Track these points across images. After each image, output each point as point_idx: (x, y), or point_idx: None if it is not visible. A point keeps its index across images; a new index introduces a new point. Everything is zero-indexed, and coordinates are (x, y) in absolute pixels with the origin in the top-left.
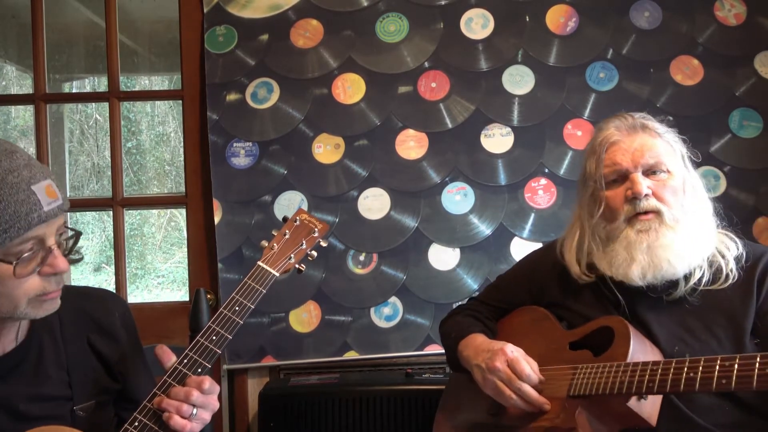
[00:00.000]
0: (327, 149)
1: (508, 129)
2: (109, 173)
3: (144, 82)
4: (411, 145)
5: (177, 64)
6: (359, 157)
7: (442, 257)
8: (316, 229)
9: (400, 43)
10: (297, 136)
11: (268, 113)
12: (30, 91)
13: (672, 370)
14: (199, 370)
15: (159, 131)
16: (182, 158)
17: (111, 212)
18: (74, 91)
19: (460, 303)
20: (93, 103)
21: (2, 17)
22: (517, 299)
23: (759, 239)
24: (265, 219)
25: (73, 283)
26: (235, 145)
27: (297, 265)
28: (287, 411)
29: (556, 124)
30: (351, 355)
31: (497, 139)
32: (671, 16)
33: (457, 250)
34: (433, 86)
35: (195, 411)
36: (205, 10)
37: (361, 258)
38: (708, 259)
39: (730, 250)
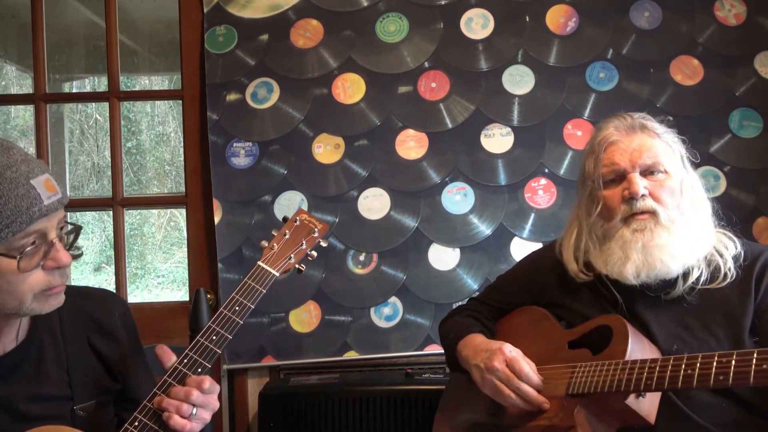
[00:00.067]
0: (327, 149)
1: (508, 129)
2: (109, 173)
3: (144, 82)
4: (411, 145)
5: (177, 64)
6: (359, 157)
7: (442, 257)
8: (316, 229)
9: (400, 43)
10: (297, 136)
11: (268, 113)
12: (30, 90)
13: (670, 366)
14: (199, 369)
15: (159, 131)
16: (182, 158)
17: (111, 212)
18: (74, 91)
19: (460, 303)
20: (93, 103)
21: (2, 17)
22: (517, 299)
23: (759, 239)
24: (265, 219)
25: (73, 283)
26: (235, 145)
27: (297, 265)
28: (287, 411)
29: (556, 124)
30: (351, 355)
31: (497, 139)
32: (671, 16)
33: (457, 250)
34: (433, 86)
35: (195, 411)
36: (205, 10)
37: (361, 258)
38: (706, 258)
39: (728, 249)
